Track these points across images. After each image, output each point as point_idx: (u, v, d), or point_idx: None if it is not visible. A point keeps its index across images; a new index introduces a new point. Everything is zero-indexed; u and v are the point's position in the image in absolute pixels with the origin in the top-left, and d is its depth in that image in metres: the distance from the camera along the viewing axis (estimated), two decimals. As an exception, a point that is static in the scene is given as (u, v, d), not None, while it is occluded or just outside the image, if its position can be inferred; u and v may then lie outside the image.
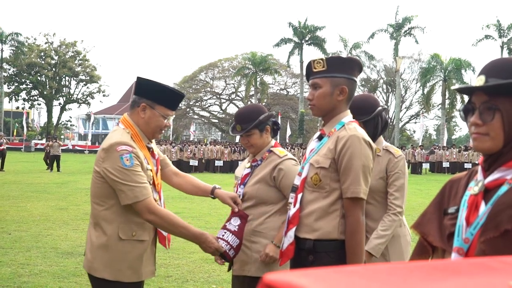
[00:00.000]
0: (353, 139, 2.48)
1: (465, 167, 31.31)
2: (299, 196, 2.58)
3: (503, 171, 1.48)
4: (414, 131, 59.56)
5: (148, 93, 2.81)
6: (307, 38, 48.39)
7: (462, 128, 72.14)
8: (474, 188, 1.53)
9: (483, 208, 1.47)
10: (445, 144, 40.26)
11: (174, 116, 2.83)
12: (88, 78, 63.28)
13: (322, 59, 2.62)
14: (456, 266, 0.89)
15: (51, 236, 8.22)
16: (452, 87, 1.82)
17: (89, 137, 54.93)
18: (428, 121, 55.62)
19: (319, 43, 47.93)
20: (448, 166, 32.35)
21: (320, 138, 2.66)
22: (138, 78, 2.88)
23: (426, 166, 32.90)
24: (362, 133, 2.56)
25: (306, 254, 2.54)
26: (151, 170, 2.84)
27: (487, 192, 1.49)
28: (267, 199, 3.11)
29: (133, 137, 2.80)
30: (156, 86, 2.83)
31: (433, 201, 1.70)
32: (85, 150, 53.55)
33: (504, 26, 44.70)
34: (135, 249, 2.76)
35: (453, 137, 63.54)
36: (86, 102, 64.52)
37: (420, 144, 37.33)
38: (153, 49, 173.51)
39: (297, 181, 2.65)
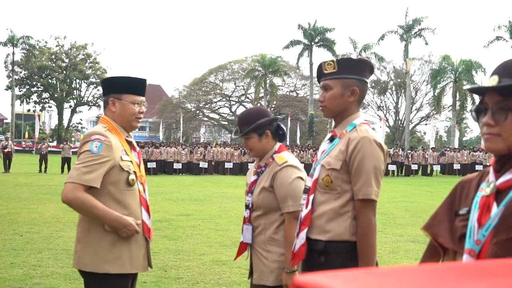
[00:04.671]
0: (364, 140, 2.47)
1: (476, 168, 31.30)
2: (311, 197, 2.57)
3: None
4: (425, 133, 59.37)
5: (112, 88, 2.98)
6: (316, 40, 48.28)
7: (473, 130, 71.79)
8: (485, 189, 1.51)
9: (495, 210, 1.45)
10: (456, 146, 40.02)
11: (146, 102, 2.99)
12: (98, 80, 63.61)
13: (332, 61, 2.61)
14: (488, 267, 0.88)
15: (62, 238, 8.27)
16: (464, 87, 1.84)
17: (100, 139, 55.07)
18: (438, 122, 55.49)
19: (328, 45, 47.81)
20: (459, 168, 32.18)
21: (332, 139, 2.65)
22: (101, 80, 3.15)
23: (437, 168, 32.79)
24: (374, 134, 2.54)
25: (318, 255, 2.52)
26: (131, 161, 2.94)
27: (498, 193, 1.47)
28: (275, 207, 3.08)
29: (111, 131, 2.92)
30: (116, 79, 3.05)
31: (443, 202, 1.69)
32: (96, 152, 53.72)
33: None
34: (121, 241, 2.81)
35: (464, 138, 63.21)
36: (97, 104, 64.91)
37: (432, 146, 37.09)
38: (163, 52, 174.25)
39: (309, 183, 2.64)
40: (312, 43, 48.34)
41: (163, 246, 7.75)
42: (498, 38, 44.94)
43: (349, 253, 2.47)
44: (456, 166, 32.43)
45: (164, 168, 29.19)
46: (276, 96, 53.06)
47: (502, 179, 1.47)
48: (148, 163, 27.62)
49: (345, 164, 2.49)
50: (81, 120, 73.73)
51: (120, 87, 2.95)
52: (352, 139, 2.50)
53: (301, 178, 3.05)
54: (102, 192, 2.78)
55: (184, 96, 60.00)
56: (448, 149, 35.47)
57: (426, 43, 45.71)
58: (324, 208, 2.52)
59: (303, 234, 2.56)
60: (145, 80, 3.05)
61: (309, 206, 2.56)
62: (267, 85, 50.97)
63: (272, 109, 54.77)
